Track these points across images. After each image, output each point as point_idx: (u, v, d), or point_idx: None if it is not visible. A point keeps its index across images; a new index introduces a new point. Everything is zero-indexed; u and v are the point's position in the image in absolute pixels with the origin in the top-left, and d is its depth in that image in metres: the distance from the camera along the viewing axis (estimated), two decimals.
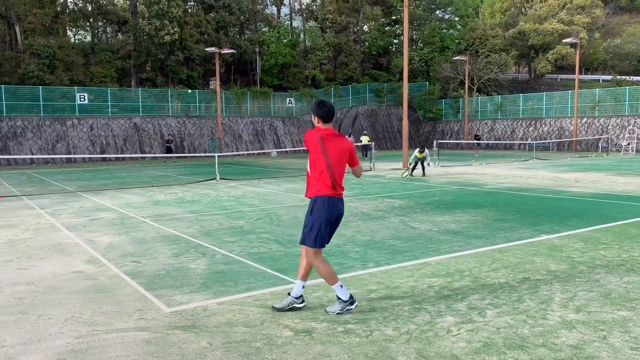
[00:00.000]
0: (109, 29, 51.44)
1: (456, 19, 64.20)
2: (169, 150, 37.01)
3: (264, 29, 56.36)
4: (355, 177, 5.29)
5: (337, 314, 4.74)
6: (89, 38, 50.11)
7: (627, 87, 39.12)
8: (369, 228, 9.04)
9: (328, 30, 56.68)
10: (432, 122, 53.70)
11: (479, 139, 40.61)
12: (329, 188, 4.77)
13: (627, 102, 37.82)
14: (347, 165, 4.97)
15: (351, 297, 4.81)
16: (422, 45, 60.04)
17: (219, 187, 16.47)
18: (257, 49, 51.00)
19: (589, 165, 23.46)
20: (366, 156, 35.84)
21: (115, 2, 50.89)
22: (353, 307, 4.79)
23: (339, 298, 4.78)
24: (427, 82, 55.58)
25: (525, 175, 18.58)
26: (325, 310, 4.85)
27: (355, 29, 58.44)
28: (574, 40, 37.98)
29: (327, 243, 4.92)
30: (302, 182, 17.73)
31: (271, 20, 57.73)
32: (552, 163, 25.61)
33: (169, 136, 39.11)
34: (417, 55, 56.62)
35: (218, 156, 19.90)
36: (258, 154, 42.73)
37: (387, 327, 4.44)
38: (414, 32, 63.10)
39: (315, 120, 4.85)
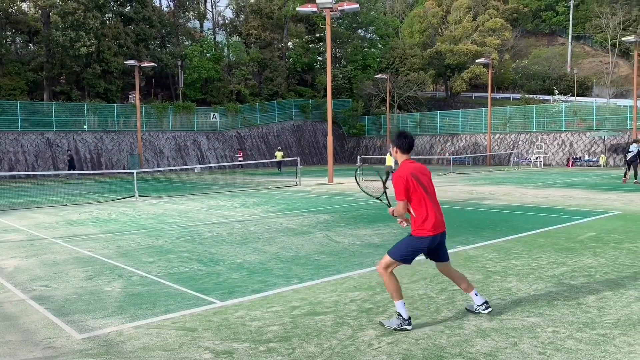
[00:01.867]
0: (18, 39, 48.61)
1: (377, 38, 66.21)
2: (71, 165, 34.74)
3: (187, 43, 55.45)
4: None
5: (394, 329, 4.68)
6: None
7: (535, 105, 41.83)
8: (294, 243, 9.02)
9: (252, 45, 56.64)
10: (355, 138, 54.80)
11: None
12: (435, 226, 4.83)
13: (534, 119, 40.42)
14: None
15: (409, 318, 4.74)
16: (345, 63, 61.34)
17: (138, 205, 15.88)
18: (179, 63, 50.05)
19: (501, 179, 24.75)
20: (280, 170, 36.52)
21: (26, 11, 48.28)
22: (409, 327, 4.69)
23: (399, 314, 4.73)
24: (351, 99, 56.77)
25: (443, 189, 19.29)
26: (381, 322, 4.83)
27: (280, 45, 58.78)
28: (486, 61, 40.23)
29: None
30: (226, 198, 17.47)
31: (194, 34, 56.93)
32: (468, 177, 26.81)
33: (69, 151, 36.67)
34: (340, 73, 57.77)
35: (137, 172, 19.18)
36: (180, 169, 41.72)
37: (310, 344, 4.42)
38: (337, 50, 64.34)
39: (394, 150, 4.93)
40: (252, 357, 4.18)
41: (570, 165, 35.78)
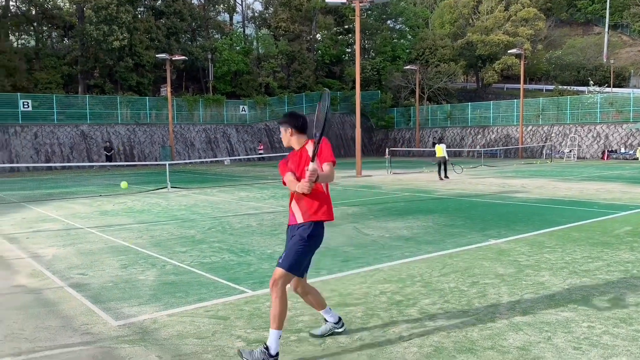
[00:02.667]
0: (54, 34, 49.73)
1: (407, 29, 65.54)
2: (108, 158, 35.89)
3: (217, 36, 55.90)
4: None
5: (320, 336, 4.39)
6: (33, 43, 48.31)
7: (569, 96, 40.86)
8: (324, 236, 9.02)
9: (281, 38, 56.73)
10: (384, 130, 54.46)
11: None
12: (326, 212, 4.17)
13: (568, 111, 39.49)
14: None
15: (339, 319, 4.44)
16: (374, 55, 60.94)
17: (170, 196, 16.14)
18: (209, 56, 50.48)
19: (534, 172, 24.31)
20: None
21: (61, 7, 49.32)
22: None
23: (326, 320, 4.41)
24: (379, 91, 56.40)
25: (474, 182, 19.06)
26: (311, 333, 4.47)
27: (308, 38, 58.73)
28: (519, 51, 39.42)
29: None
30: (256, 190, 17.61)
31: (223, 27, 57.31)
32: (500, 170, 26.41)
33: (107, 143, 37.70)
34: (369, 65, 57.41)
35: (169, 164, 19.47)
36: (211, 161, 42.19)
37: (340, 335, 4.44)
38: (366, 42, 63.97)
39: (287, 132, 4.15)
40: (283, 345, 4.22)
41: (605, 158, 34.88)
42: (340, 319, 4.49)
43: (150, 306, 5.32)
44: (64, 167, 36.07)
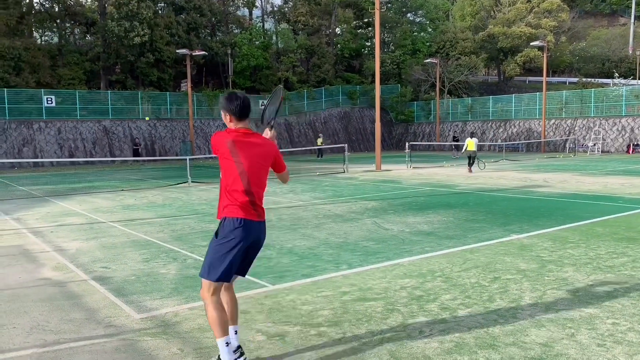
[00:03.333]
0: (76, 30, 50.43)
1: (427, 22, 64.95)
2: (136, 153, 36.49)
3: (236, 31, 56.09)
4: (283, 183, 4.19)
5: None
6: (56, 39, 49.04)
7: (593, 89, 40.11)
8: (342, 230, 9.04)
9: (300, 32, 56.70)
10: (404, 124, 54.14)
11: (457, 141, 41.14)
12: (244, 207, 3.56)
13: (592, 104, 38.77)
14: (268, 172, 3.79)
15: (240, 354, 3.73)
16: (393, 48, 60.55)
17: (191, 191, 16.29)
18: (229, 51, 50.69)
19: (557, 166, 23.94)
20: (321, 157, 36.94)
21: (83, 3, 49.96)
22: None
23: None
24: (399, 85, 56.04)
25: (495, 176, 18.85)
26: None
27: (328, 32, 58.58)
28: (542, 44, 38.81)
29: (233, 278, 3.70)
30: (275, 185, 17.67)
31: (243, 22, 57.49)
32: (522, 164, 26.08)
33: (137, 139, 38.47)
34: (389, 58, 57.07)
35: (190, 159, 19.63)
36: None
37: (360, 329, 4.44)
38: (386, 35, 63.59)
39: (226, 118, 3.68)
40: (304, 340, 4.23)
41: (630, 152, 34.20)
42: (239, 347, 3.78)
43: (172, 299, 5.38)
44: (86, 162, 36.63)
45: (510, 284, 5.64)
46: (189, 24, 49.25)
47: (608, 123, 37.11)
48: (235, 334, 3.77)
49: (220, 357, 3.59)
